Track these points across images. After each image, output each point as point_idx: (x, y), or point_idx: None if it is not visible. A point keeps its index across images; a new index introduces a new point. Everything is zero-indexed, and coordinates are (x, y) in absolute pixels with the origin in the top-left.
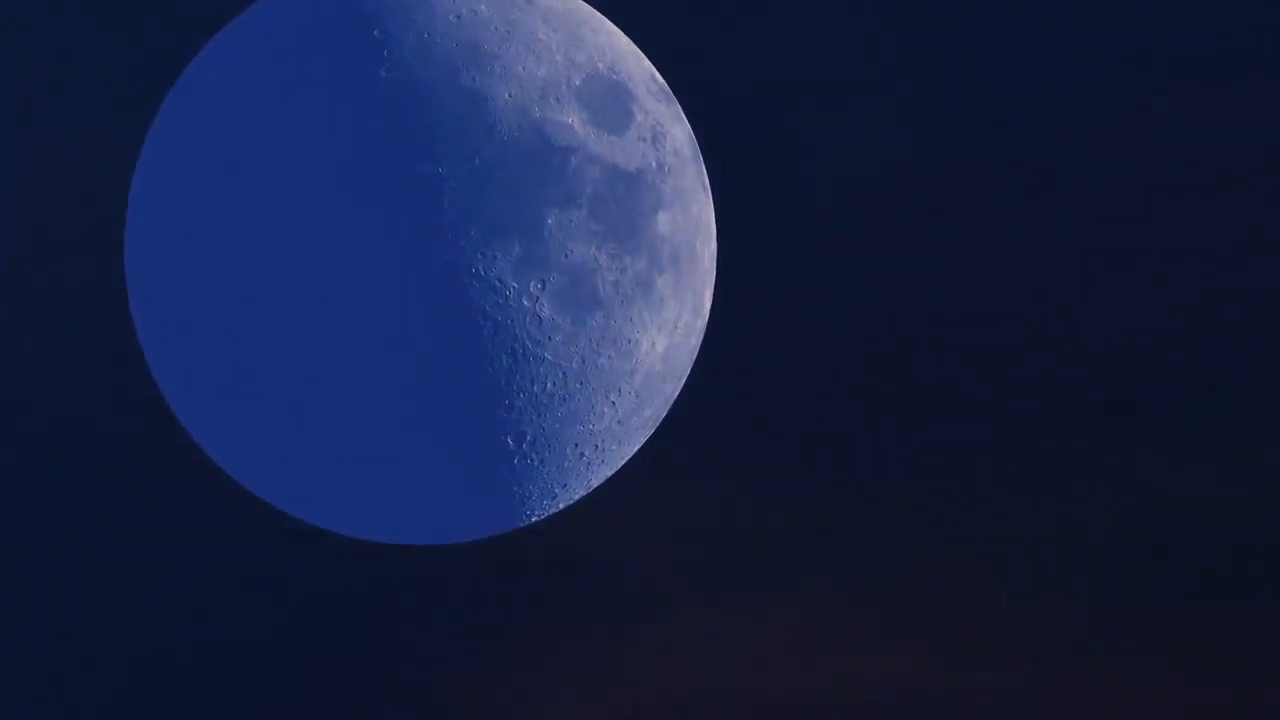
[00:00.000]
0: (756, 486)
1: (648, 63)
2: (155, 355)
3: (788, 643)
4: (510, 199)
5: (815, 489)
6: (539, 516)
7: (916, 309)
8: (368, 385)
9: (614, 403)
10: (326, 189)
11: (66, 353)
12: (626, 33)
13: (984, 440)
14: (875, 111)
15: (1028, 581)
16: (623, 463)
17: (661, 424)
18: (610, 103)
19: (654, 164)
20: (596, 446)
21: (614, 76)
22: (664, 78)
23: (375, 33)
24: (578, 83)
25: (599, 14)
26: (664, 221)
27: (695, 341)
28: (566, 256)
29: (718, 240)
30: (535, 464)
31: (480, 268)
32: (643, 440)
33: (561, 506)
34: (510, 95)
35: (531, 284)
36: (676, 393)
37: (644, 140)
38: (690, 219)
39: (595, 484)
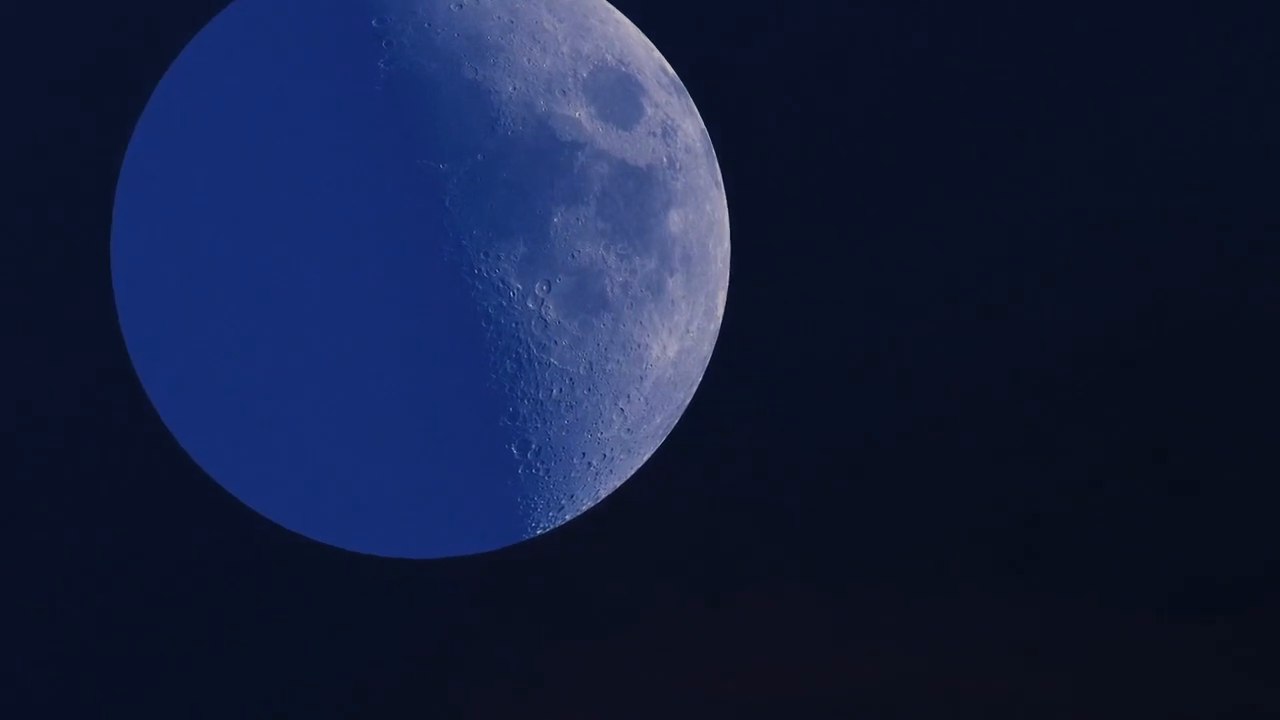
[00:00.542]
0: (768, 493)
1: (658, 53)
2: (142, 361)
3: (789, 647)
4: (514, 197)
5: (826, 494)
6: (544, 529)
7: (941, 312)
8: (365, 392)
9: (623, 410)
10: (322, 187)
11: (51, 353)
12: (635, 22)
13: (1015, 449)
14: (896, 106)
15: (1027, 582)
16: (632, 473)
17: (672, 432)
18: (619, 96)
19: (665, 160)
20: (604, 456)
21: (622, 68)
22: (675, 69)
23: (373, 22)
24: (585, 75)
25: (606, 3)
26: (675, 220)
27: (708, 347)
28: (573, 257)
29: (732, 240)
30: (540, 474)
31: (483, 269)
32: (653, 450)
33: (568, 519)
34: (514, 88)
35: (536, 286)
36: (688, 400)
37: (654, 135)
38: (703, 217)
39: (603, 495)
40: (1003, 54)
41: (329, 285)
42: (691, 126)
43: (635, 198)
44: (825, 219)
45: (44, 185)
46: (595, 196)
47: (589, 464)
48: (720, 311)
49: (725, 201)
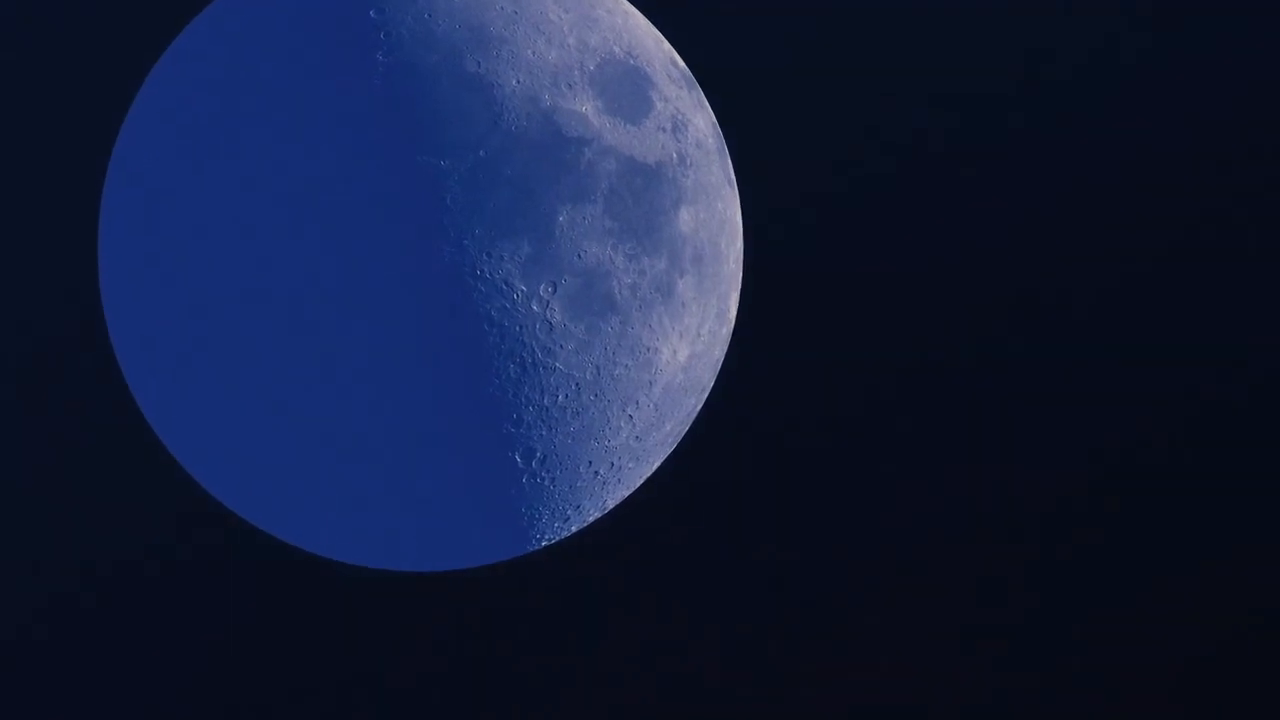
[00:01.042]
0: (783, 501)
1: (668, 45)
2: (131, 368)
3: (802, 657)
4: (518, 195)
5: (844, 502)
6: (550, 540)
7: (968, 315)
8: (363, 398)
9: (631, 417)
10: (318, 185)
11: (38, 363)
12: (644, 12)
13: (1031, 454)
14: (916, 101)
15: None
16: (641, 482)
17: (683, 440)
18: (627, 89)
19: (674, 156)
20: (612, 464)
21: (631, 61)
22: (685, 61)
23: (371, 13)
24: (591, 68)
25: None
26: (685, 219)
27: (720, 351)
28: (579, 257)
29: (744, 239)
30: (546, 483)
31: (485, 269)
32: (662, 458)
33: (574, 530)
34: (518, 81)
35: (541, 287)
36: (699, 406)
37: (664, 130)
38: (714, 216)
39: (611, 505)
40: (1034, 47)
41: (325, 287)
42: (703, 121)
43: (644, 196)
44: (842, 217)
45: (26, 182)
46: (602, 194)
47: (596, 473)
48: (733, 314)
49: (738, 199)
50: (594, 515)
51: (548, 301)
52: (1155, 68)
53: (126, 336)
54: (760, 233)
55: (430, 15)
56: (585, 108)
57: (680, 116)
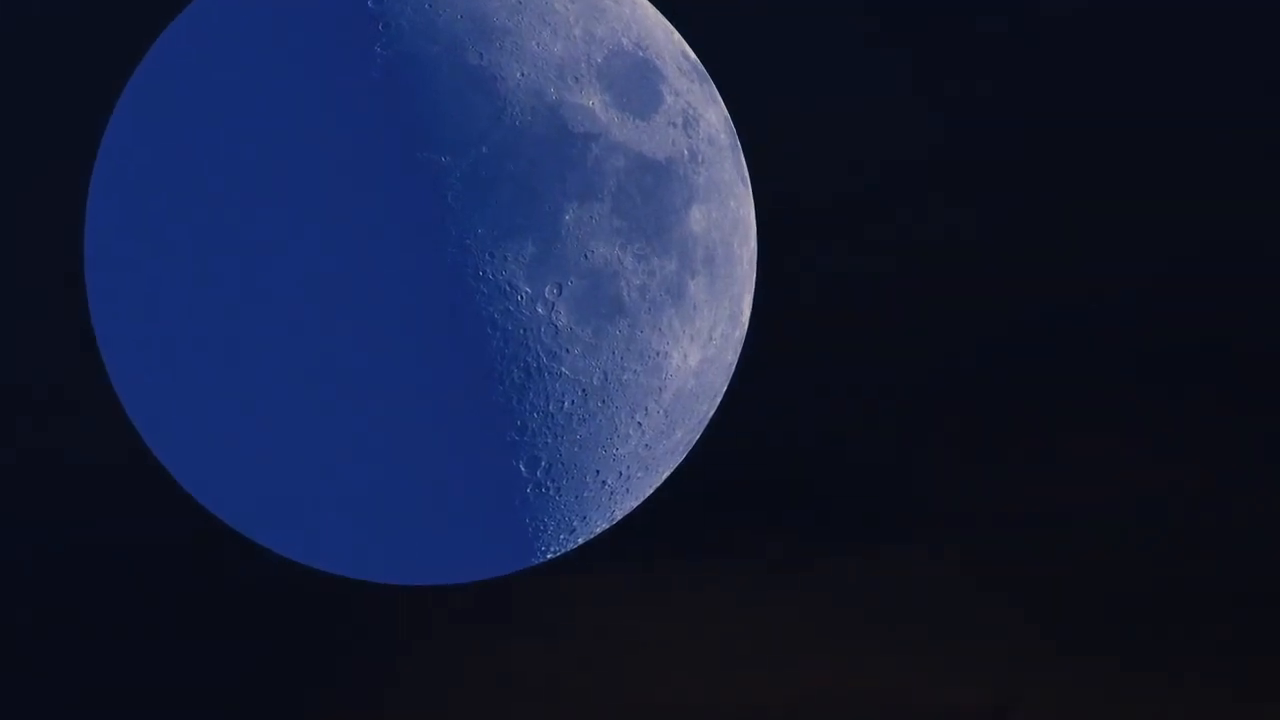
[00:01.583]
0: (796, 510)
1: (678, 37)
2: (119, 375)
3: (813, 668)
4: (522, 193)
5: (858, 511)
6: (555, 553)
7: (990, 320)
8: (360, 404)
9: (640, 424)
10: (313, 182)
11: (25, 369)
12: (654, 3)
13: (1045, 459)
14: (932, 98)
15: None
16: (650, 492)
17: (694, 448)
18: (636, 83)
19: (686, 153)
20: (620, 474)
21: (640, 53)
22: (697, 54)
23: (370, 3)
24: (599, 60)
25: None
26: (697, 218)
27: (733, 355)
28: (586, 258)
29: (758, 239)
30: (551, 493)
31: (488, 270)
32: (673, 466)
33: (580, 542)
34: (522, 74)
35: (546, 289)
36: (711, 413)
37: (674, 125)
38: (727, 215)
39: (619, 516)
40: (1046, 49)
41: (321, 288)
42: (715, 116)
43: (654, 193)
44: (858, 217)
45: (13, 182)
46: (610, 192)
47: (603, 482)
48: (746, 317)
49: (751, 198)
50: (601, 527)
51: (553, 304)
52: (1156, 67)
53: (115, 342)
54: (774, 232)
55: (431, 5)
56: (592, 102)
57: (692, 111)
